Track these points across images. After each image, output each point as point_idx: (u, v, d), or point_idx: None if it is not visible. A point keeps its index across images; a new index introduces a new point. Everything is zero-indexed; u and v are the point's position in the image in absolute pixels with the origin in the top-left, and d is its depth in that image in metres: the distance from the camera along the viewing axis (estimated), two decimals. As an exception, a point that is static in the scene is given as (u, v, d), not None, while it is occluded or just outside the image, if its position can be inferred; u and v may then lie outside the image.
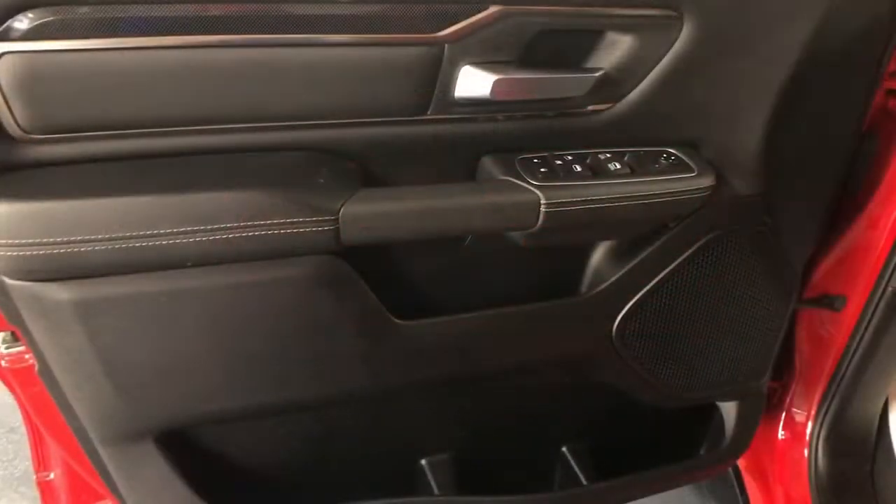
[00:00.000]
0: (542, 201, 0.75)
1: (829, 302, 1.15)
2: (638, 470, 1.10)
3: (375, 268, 0.79)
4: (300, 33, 0.66)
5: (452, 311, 0.86)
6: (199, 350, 0.75)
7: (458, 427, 1.04)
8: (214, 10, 0.63)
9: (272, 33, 0.65)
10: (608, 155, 0.81)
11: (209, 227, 0.66)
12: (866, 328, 1.10)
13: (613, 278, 0.90)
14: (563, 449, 1.13)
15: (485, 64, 0.72)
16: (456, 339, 0.87)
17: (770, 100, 0.83)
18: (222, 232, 0.67)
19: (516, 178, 0.76)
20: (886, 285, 1.06)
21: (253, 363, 0.78)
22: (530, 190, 0.75)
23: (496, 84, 0.72)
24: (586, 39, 0.76)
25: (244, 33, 0.64)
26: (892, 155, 1.01)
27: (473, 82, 0.72)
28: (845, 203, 1.07)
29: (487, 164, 0.79)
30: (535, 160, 0.79)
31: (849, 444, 1.21)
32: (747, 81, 0.81)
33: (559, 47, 0.75)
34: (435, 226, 0.74)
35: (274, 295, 0.74)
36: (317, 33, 0.66)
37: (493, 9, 0.69)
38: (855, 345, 1.13)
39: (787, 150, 0.89)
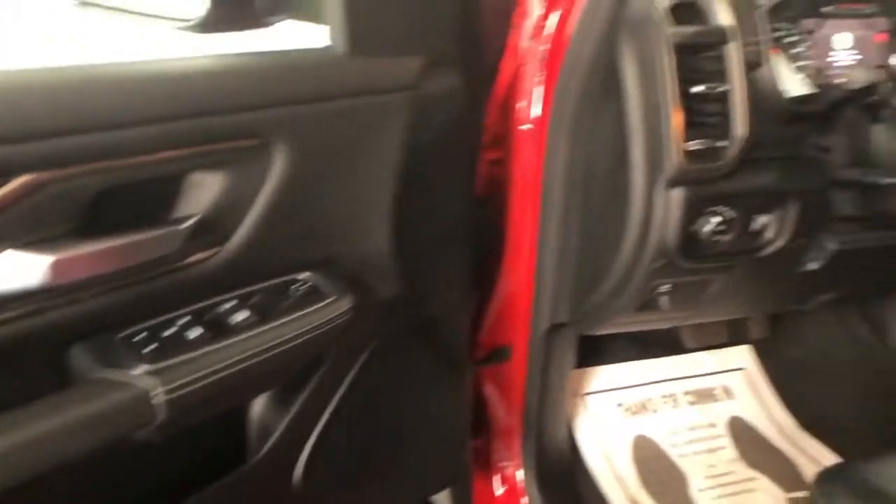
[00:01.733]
0: (156, 390, 0.61)
1: (498, 355, 1.21)
2: None
3: None
4: None
5: None
6: None
7: None
8: None
9: None
10: (230, 304, 0.70)
11: None
12: (533, 369, 1.18)
13: (282, 427, 0.79)
14: None
15: (33, 245, 0.56)
16: None
17: (386, 201, 0.81)
18: None
19: (115, 368, 0.61)
20: (538, 327, 1.14)
21: None
22: (132, 384, 0.60)
23: (55, 266, 0.57)
24: (168, 185, 0.65)
25: None
26: (505, 215, 1.09)
27: (23, 270, 0.56)
28: (487, 263, 1.14)
29: (78, 355, 0.62)
30: (141, 335, 0.64)
31: (556, 479, 1.28)
32: (358, 192, 0.78)
33: (136, 200, 0.63)
34: (12, 474, 0.55)
35: None
36: None
37: (22, 179, 0.54)
38: (530, 387, 1.20)
39: (417, 239, 0.89)
